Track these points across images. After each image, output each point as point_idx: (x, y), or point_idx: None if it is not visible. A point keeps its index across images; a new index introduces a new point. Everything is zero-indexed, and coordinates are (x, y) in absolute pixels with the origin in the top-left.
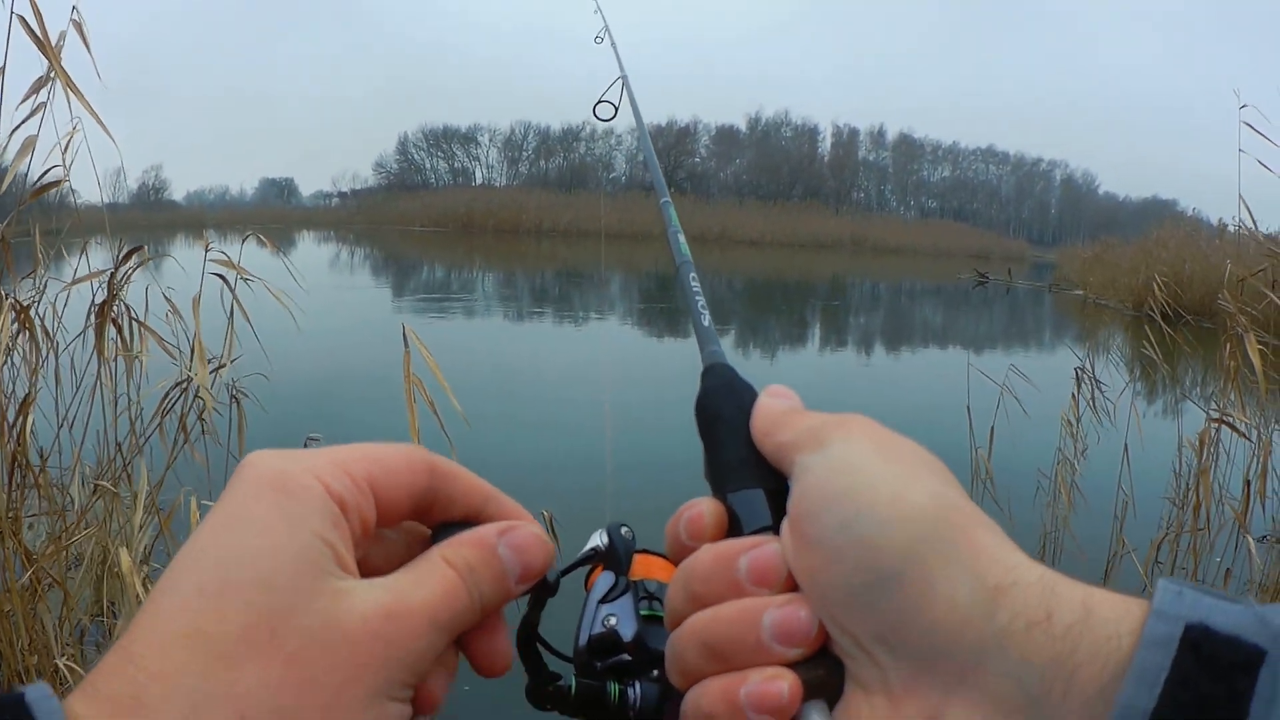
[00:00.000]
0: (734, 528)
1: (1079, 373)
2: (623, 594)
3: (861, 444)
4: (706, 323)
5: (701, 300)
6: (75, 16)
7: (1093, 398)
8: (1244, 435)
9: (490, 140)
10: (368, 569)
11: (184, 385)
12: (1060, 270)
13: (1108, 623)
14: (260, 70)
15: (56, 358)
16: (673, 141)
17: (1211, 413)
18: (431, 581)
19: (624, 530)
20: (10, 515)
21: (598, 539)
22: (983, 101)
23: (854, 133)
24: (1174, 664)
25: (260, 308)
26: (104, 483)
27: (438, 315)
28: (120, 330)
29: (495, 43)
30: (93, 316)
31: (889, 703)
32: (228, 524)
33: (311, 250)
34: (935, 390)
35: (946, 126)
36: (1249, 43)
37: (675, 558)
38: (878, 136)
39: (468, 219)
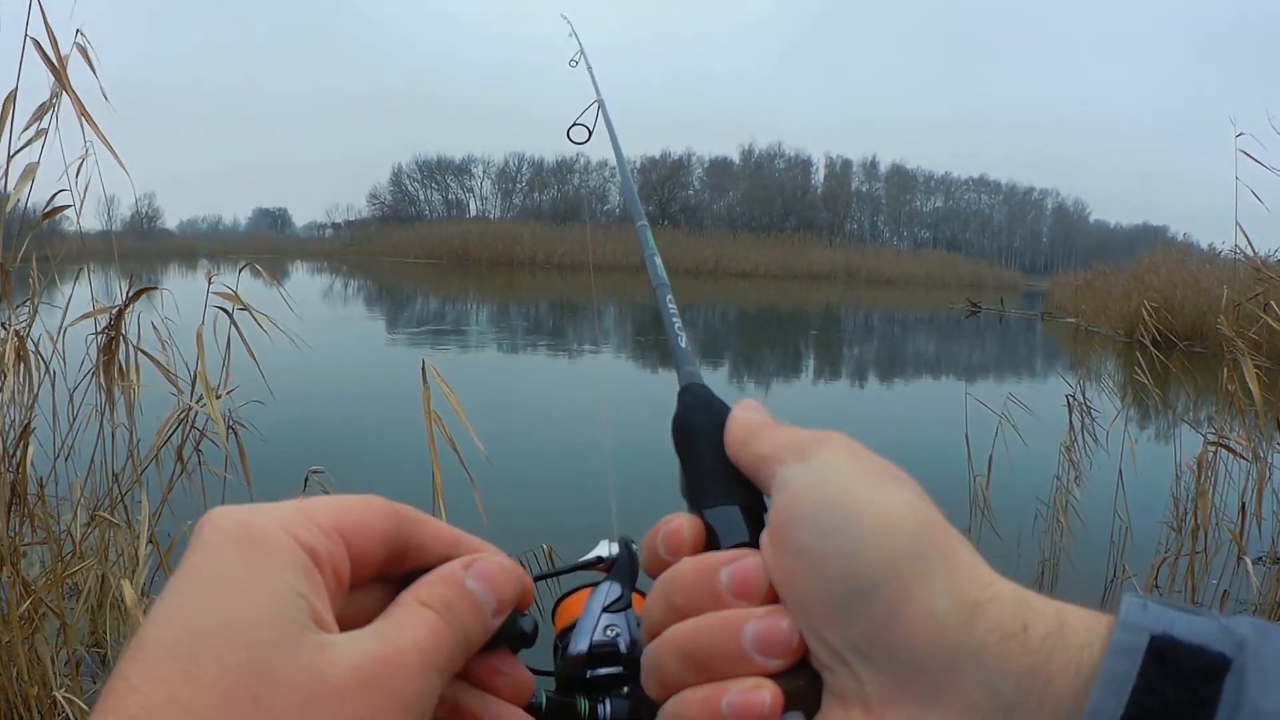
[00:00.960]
0: (711, 543)
1: (1070, 400)
2: (626, 607)
3: (843, 458)
4: (684, 344)
5: (678, 323)
6: (80, 40)
7: (1084, 425)
8: (1242, 457)
9: (484, 172)
10: (346, 628)
11: (182, 416)
12: (1052, 298)
13: (1079, 633)
14: (254, 100)
15: (54, 388)
16: (666, 174)
17: (1209, 436)
18: (415, 623)
19: (634, 546)
20: (9, 546)
21: (604, 548)
22: (975, 131)
23: (847, 164)
24: (1140, 672)
25: (256, 339)
26: (102, 513)
27: (433, 348)
28: (119, 362)
29: (486, 72)
30: (92, 348)
31: (866, 716)
32: (191, 583)
33: (305, 281)
34: (931, 419)
35: (939, 156)
36: (1240, 71)
37: (652, 572)
38: (870, 167)
39: (462, 251)
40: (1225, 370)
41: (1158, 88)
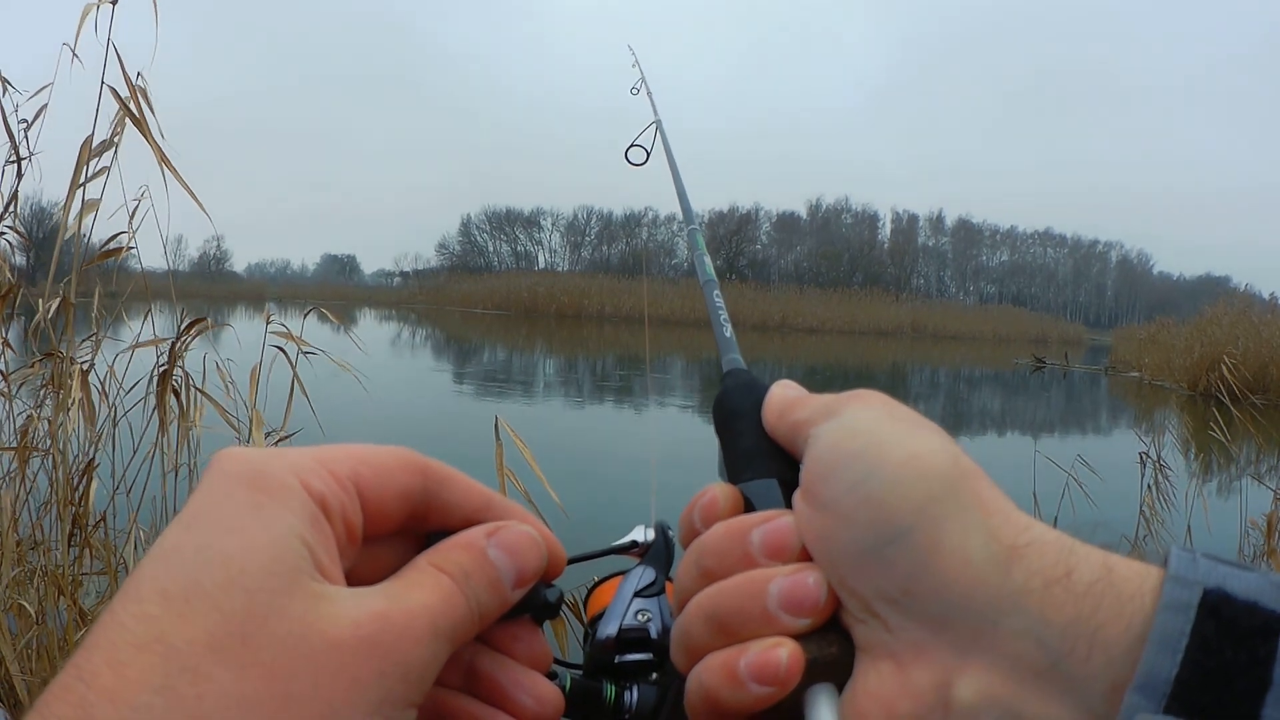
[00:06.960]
0: (747, 514)
1: (1143, 457)
2: (660, 592)
3: (872, 410)
4: (728, 334)
5: (724, 314)
6: (140, 83)
7: (1156, 482)
8: None
9: (553, 224)
10: (357, 583)
11: None
12: (1116, 352)
13: (1129, 581)
14: (328, 145)
15: (114, 423)
16: (734, 228)
17: (1278, 490)
18: (427, 586)
19: (670, 531)
20: (69, 575)
21: (640, 533)
22: (1041, 183)
23: (913, 219)
24: (1194, 630)
25: (321, 385)
26: None
27: (496, 398)
28: (180, 399)
29: (560, 126)
30: (153, 383)
31: (896, 669)
32: (194, 523)
33: (373, 328)
34: (996, 476)
35: (1005, 210)
36: None
37: (688, 544)
38: (937, 222)
39: (530, 303)
40: None
41: (1224, 139)
